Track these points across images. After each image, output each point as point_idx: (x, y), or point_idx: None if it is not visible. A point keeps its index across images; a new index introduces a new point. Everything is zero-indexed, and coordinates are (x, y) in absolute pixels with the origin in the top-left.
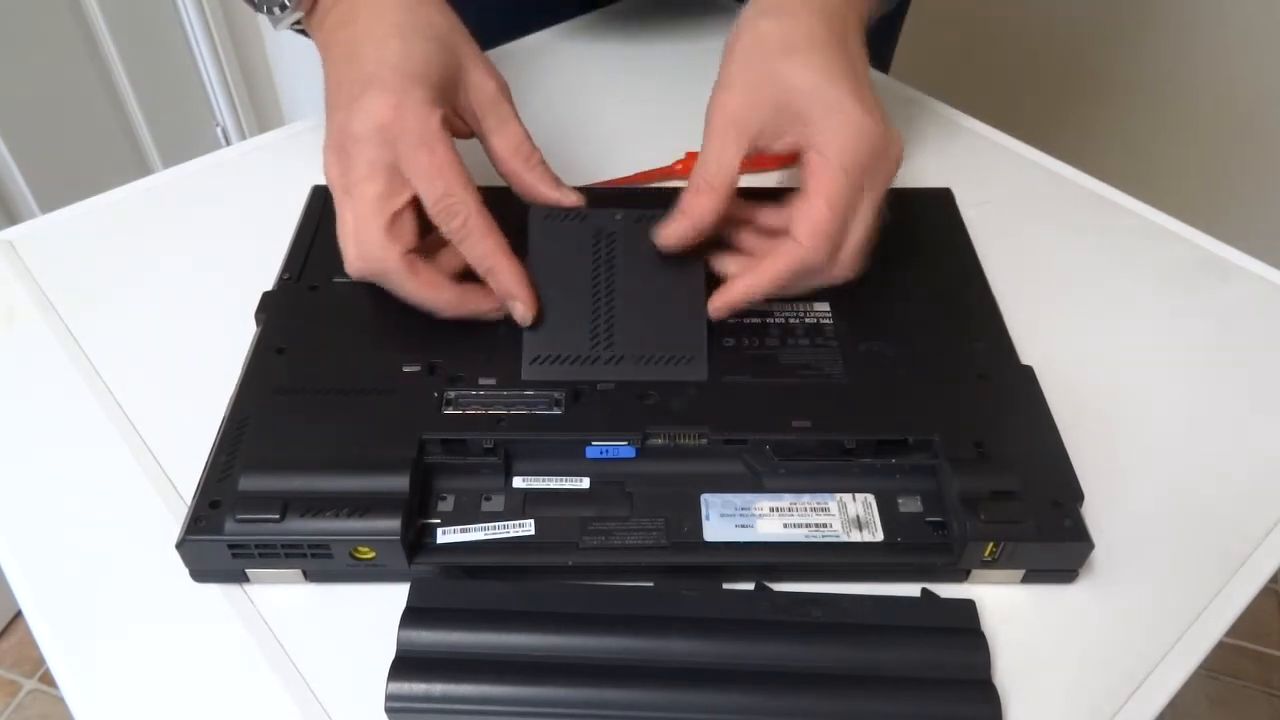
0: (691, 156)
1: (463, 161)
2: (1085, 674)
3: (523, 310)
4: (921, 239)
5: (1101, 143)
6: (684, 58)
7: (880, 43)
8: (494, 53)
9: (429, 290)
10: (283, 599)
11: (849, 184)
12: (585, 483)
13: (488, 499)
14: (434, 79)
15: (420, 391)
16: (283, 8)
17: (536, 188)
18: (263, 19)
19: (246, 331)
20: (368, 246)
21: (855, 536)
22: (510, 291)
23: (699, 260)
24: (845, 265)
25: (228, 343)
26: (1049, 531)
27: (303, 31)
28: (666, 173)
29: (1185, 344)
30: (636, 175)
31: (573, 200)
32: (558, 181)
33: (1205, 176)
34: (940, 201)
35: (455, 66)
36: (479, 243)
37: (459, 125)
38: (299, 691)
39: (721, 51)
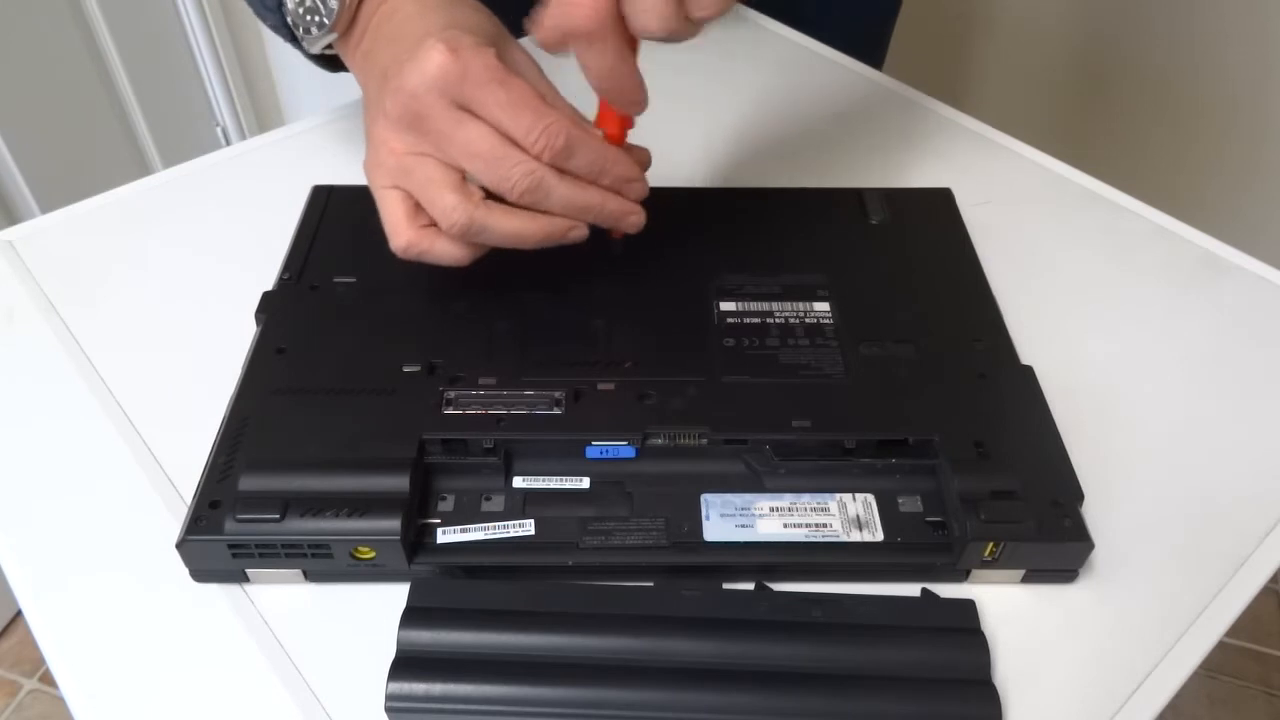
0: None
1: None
2: (1085, 674)
3: (640, 189)
4: (921, 239)
5: (1102, 143)
6: (684, 56)
7: (873, 44)
8: None
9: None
10: (283, 599)
11: None
12: (585, 483)
13: (488, 499)
14: (482, 39)
15: (420, 391)
16: (320, 26)
17: None
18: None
19: (246, 331)
20: (510, 164)
21: (855, 536)
22: (632, 175)
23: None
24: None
25: (228, 343)
26: (1049, 531)
27: (327, 64)
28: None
29: (1185, 344)
30: None
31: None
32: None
33: (1205, 176)
34: (940, 201)
35: (500, 38)
36: (587, 151)
37: None
38: (299, 691)
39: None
